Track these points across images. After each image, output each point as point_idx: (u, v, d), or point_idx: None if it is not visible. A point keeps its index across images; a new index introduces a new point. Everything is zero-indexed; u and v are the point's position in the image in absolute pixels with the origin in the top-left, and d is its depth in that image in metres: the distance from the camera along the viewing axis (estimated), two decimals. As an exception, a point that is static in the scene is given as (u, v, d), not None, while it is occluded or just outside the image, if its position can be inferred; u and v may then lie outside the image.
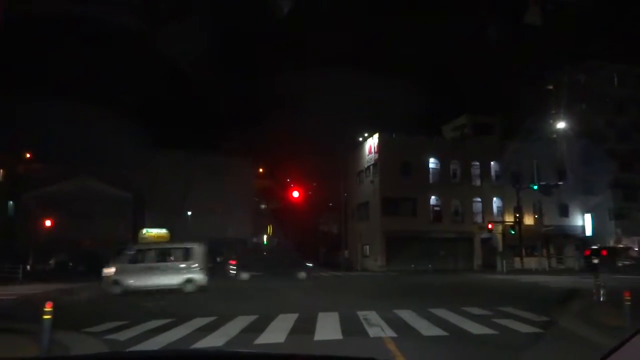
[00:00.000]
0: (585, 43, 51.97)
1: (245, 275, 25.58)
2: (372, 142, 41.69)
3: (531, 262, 36.35)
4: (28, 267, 27.71)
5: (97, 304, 15.19)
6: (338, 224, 51.11)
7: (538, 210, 40.79)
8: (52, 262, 34.59)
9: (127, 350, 7.59)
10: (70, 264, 34.76)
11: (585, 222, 42.83)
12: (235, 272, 26.42)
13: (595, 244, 40.92)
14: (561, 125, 40.10)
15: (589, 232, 42.43)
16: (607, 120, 46.68)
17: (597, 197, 41.28)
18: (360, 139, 45.41)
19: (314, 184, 59.12)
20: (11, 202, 42.49)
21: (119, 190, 44.63)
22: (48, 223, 38.31)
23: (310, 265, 28.09)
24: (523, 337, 8.91)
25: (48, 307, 6.94)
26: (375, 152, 40.78)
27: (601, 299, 11.99)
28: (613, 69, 48.31)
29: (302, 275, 26.03)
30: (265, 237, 51.38)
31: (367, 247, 41.59)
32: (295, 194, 40.44)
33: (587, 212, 42.63)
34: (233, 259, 27.97)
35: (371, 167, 41.64)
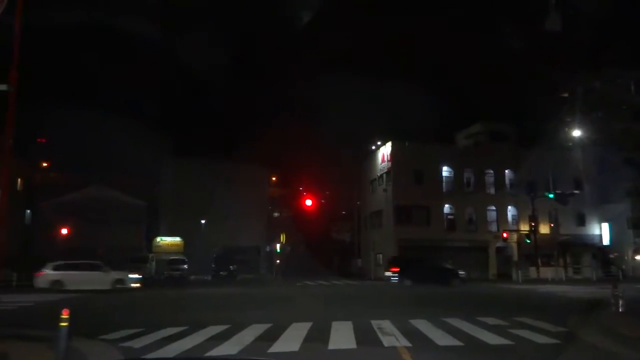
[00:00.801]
0: (601, 50, 51.48)
1: (407, 282, 27.44)
2: (385, 151, 41.61)
3: (547, 272, 35.84)
4: (45, 274, 27.94)
5: (112, 311, 15.29)
6: (351, 233, 51.01)
7: (554, 219, 40.28)
8: (68, 269, 34.95)
9: (141, 357, 7.62)
10: (86, 272, 35.04)
11: (602, 232, 42.14)
12: (397, 279, 28.57)
13: (612, 254, 40.29)
14: (577, 133, 39.62)
15: (606, 241, 41.73)
16: (624, 128, 46.01)
17: (615, 206, 40.61)
18: (373, 147, 45.36)
19: (327, 192, 59.14)
20: (29, 211, 43.14)
21: (134, 198, 45.14)
22: (64, 231, 38.79)
23: (463, 274, 29.49)
24: (540, 348, 8.77)
25: (65, 315, 7.00)
26: (388, 161, 40.67)
27: (620, 310, 11.77)
28: (629, 76, 47.68)
29: (456, 282, 27.64)
30: (278, 245, 51.31)
31: (381, 255, 41.36)
32: (308, 202, 40.55)
33: (605, 221, 41.95)
34: (394, 266, 29.78)
35: (384, 175, 41.53)
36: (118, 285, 23.17)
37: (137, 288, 23.77)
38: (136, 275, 24.58)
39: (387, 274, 30.92)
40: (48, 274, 22.86)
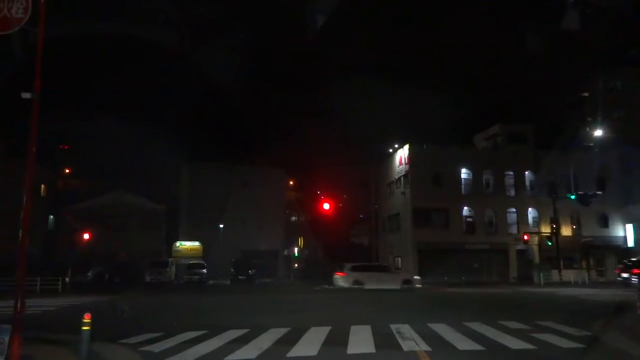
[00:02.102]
0: (622, 49, 50.57)
1: None
2: (402, 153, 41.41)
3: (570, 275, 35.20)
4: (67, 279, 28.43)
5: (133, 315, 15.46)
6: (369, 236, 50.79)
7: (576, 221, 39.60)
8: (89, 274, 35.47)
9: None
10: (107, 276, 35.58)
11: (626, 233, 41.24)
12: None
13: (636, 255, 39.41)
14: (598, 133, 38.88)
15: (630, 243, 40.83)
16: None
17: (639, 206, 39.73)
18: (391, 150, 45.17)
19: (344, 196, 59.01)
20: (52, 217, 43.98)
21: (153, 203, 45.68)
22: (86, 236, 39.44)
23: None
24: (564, 352, 8.61)
25: (87, 319, 7.11)
26: (405, 163, 40.46)
27: (646, 314, 11.50)
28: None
29: None
30: (296, 249, 51.40)
31: (399, 259, 41.12)
32: (326, 206, 40.50)
33: (629, 222, 41.04)
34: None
35: (402, 178, 41.31)
36: (405, 285, 25.94)
37: (419, 288, 26.82)
38: (418, 277, 28.27)
39: (624, 275, 29.68)
40: (350, 274, 25.90)
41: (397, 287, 25.67)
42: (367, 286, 25.10)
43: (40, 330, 9.56)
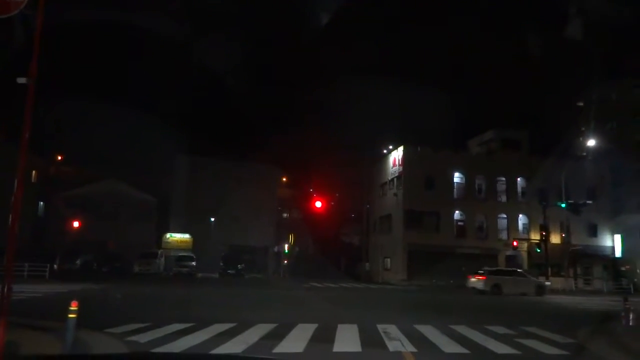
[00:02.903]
0: (618, 60, 50.92)
1: None
2: (396, 155, 41.48)
3: (557, 282, 35.47)
4: (55, 266, 28.29)
5: (120, 304, 15.40)
6: (360, 236, 50.86)
7: (565, 229, 39.85)
8: (78, 262, 35.29)
9: (146, 351, 7.66)
10: (95, 265, 35.42)
11: (615, 243, 41.61)
12: None
13: (624, 266, 39.78)
14: (591, 142, 39.19)
15: (618, 253, 41.20)
16: (639, 140, 45.41)
17: (628, 217, 40.08)
18: (385, 151, 45.23)
19: (337, 195, 59.03)
20: (42, 203, 43.66)
21: (145, 195, 45.48)
22: (76, 224, 39.21)
23: None
24: (549, 359, 8.68)
25: (73, 306, 7.07)
26: (399, 165, 40.53)
27: (630, 323, 11.62)
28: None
29: None
30: (286, 245, 51.33)
31: (389, 260, 41.22)
32: (318, 204, 40.45)
33: (617, 232, 41.42)
34: None
35: (395, 179, 41.39)
36: (538, 289, 27.59)
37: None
38: (549, 282, 30.23)
39: None
40: (490, 277, 27.49)
41: (532, 291, 27.32)
42: (505, 290, 26.61)
43: (26, 316, 9.49)
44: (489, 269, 29.19)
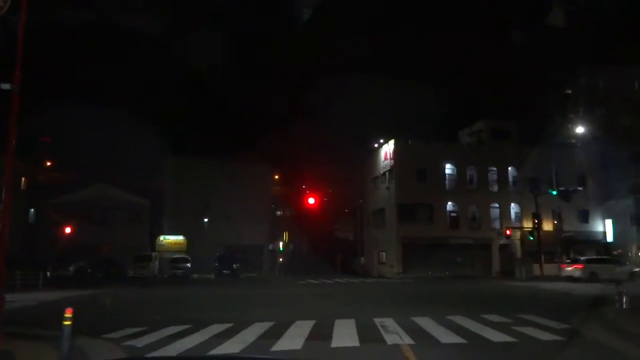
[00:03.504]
0: (605, 47, 51.26)
1: None
2: (387, 149, 41.54)
3: (551, 269, 35.74)
4: (48, 273, 28.01)
5: (116, 310, 15.32)
6: (354, 231, 50.97)
7: (557, 216, 40.14)
8: (71, 268, 34.99)
9: (144, 356, 7.63)
10: (89, 271, 35.16)
11: (606, 228, 42.03)
12: None
13: (616, 250, 40.17)
14: (580, 129, 39.46)
15: (610, 238, 41.62)
16: (628, 125, 45.78)
17: (619, 202, 40.48)
18: (376, 145, 45.28)
19: (330, 191, 59.06)
20: (32, 210, 43.24)
21: (137, 197, 45.16)
22: (68, 230, 38.88)
23: None
24: (544, 345, 8.75)
25: (68, 313, 7.00)
26: (390, 159, 40.60)
27: (624, 306, 11.74)
28: (633, 73, 47.41)
29: None
30: (281, 243, 51.33)
31: (384, 253, 41.34)
32: (311, 200, 40.51)
33: (608, 217, 41.83)
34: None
35: (387, 173, 41.47)
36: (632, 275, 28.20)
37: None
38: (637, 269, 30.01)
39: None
40: (587, 266, 28.63)
41: (625, 278, 27.06)
42: (602, 277, 26.86)
43: (20, 326, 9.40)
44: (584, 257, 30.48)
